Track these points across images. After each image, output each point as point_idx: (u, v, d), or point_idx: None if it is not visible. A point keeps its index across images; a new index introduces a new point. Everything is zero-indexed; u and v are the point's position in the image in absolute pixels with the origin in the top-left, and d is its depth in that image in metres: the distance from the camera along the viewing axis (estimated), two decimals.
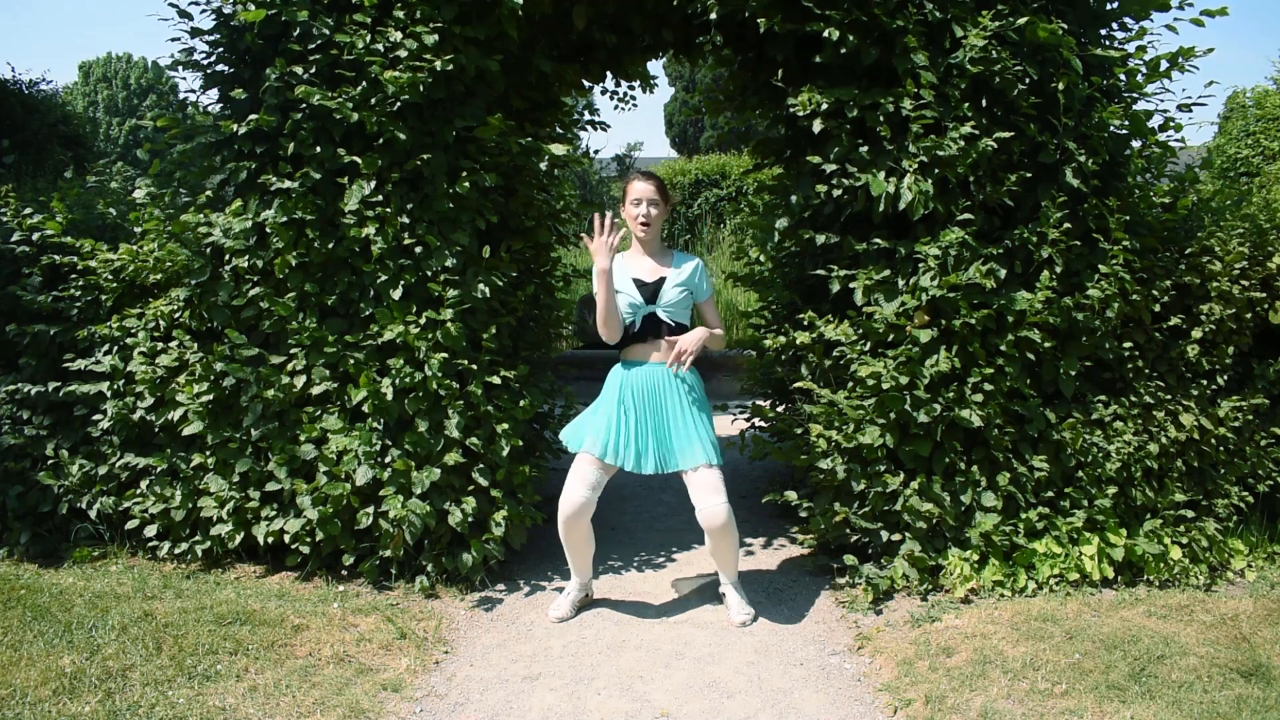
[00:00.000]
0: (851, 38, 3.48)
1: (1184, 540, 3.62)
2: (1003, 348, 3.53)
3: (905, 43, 3.47)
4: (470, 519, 3.54)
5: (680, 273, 3.34)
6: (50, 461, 3.90)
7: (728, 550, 3.31)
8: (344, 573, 3.71)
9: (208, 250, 3.69)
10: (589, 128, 5.28)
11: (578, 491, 3.24)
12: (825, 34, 3.48)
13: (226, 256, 3.67)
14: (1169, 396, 3.73)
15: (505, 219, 3.95)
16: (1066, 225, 3.57)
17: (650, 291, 3.30)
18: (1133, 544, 3.54)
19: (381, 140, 3.53)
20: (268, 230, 3.58)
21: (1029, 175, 3.59)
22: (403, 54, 3.46)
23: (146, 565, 3.84)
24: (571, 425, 3.41)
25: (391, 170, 3.58)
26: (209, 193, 3.80)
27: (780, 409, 4.57)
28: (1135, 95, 3.77)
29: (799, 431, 3.81)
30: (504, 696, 2.89)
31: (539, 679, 2.99)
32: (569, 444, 3.37)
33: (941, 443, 3.54)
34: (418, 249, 3.57)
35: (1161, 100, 3.88)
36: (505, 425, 3.59)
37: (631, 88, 5.59)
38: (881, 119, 3.53)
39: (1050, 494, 3.65)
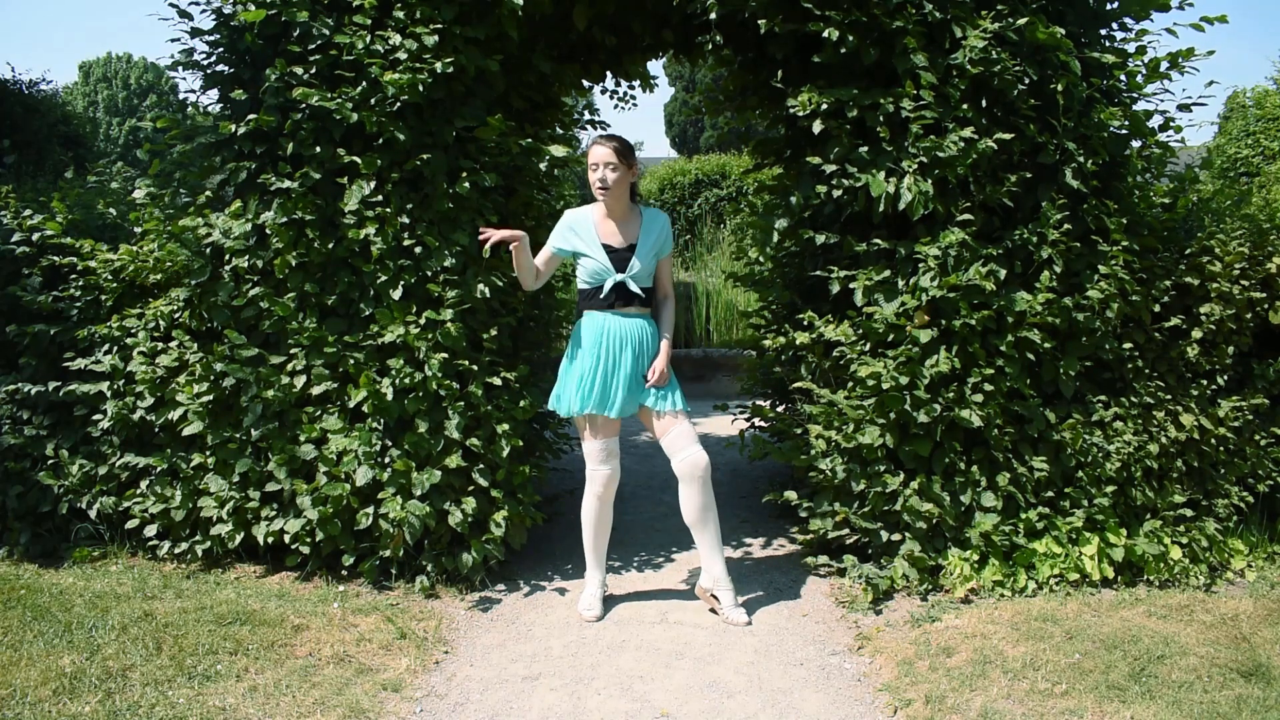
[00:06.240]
0: (851, 38, 3.48)
1: (1184, 540, 3.62)
2: (1003, 348, 3.53)
3: (905, 43, 3.47)
4: (470, 519, 3.54)
5: (650, 236, 3.37)
6: (50, 461, 3.90)
7: (709, 507, 3.33)
8: (344, 573, 3.71)
9: (208, 250, 3.69)
10: (589, 128, 5.27)
11: (597, 469, 3.38)
12: (825, 34, 3.48)
13: (226, 257, 3.67)
14: (1169, 396, 3.73)
15: (505, 219, 3.95)
16: (1066, 226, 3.57)
17: (620, 259, 3.32)
18: (1133, 544, 3.55)
19: (381, 140, 3.53)
20: (267, 230, 3.58)
21: (1029, 176, 3.59)
22: (402, 55, 3.46)
23: (146, 565, 3.84)
24: (554, 391, 3.45)
25: (391, 170, 3.58)
26: (209, 193, 3.80)
27: (780, 409, 4.57)
28: (1135, 96, 3.78)
29: (799, 431, 3.81)
30: (504, 696, 2.89)
31: (539, 679, 3.00)
32: (555, 407, 3.43)
33: (941, 443, 3.55)
34: (417, 249, 3.57)
35: (1161, 101, 3.88)
36: (505, 426, 3.59)
37: (631, 88, 5.58)
38: (881, 119, 3.53)
39: (1050, 494, 3.65)
